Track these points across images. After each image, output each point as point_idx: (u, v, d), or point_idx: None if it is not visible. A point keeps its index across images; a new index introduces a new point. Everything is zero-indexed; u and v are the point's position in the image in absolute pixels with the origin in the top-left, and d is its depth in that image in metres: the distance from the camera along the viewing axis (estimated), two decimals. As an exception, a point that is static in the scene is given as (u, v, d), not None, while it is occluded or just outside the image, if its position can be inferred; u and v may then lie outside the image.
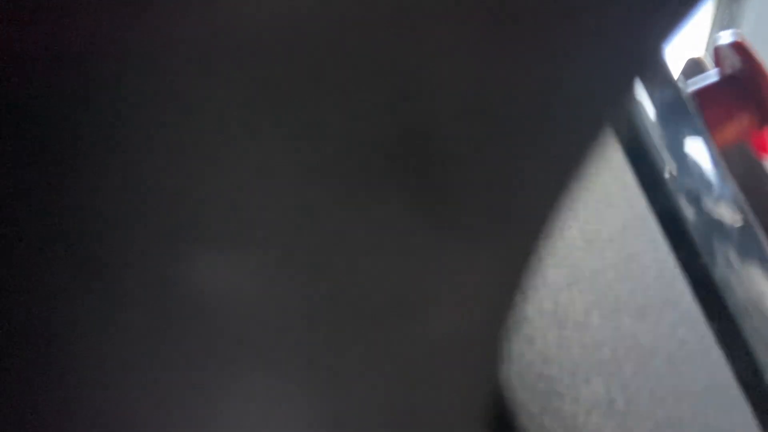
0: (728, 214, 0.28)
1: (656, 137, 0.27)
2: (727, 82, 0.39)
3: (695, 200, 0.27)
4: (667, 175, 0.27)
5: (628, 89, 0.12)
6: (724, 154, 0.30)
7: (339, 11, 0.10)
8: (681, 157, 0.28)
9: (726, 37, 0.41)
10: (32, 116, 0.10)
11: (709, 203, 0.28)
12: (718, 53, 0.41)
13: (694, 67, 0.44)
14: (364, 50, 0.10)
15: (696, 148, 0.29)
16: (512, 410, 0.20)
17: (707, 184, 0.28)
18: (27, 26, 0.10)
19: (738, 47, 0.39)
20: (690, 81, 0.40)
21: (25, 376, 0.11)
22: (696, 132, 0.30)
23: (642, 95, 0.29)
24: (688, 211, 0.26)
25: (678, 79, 0.34)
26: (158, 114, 0.10)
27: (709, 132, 0.32)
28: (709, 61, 0.45)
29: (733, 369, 0.24)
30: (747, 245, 0.28)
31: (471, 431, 0.14)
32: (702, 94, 0.38)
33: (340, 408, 0.12)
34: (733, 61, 0.39)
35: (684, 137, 0.29)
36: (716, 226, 0.27)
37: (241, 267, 0.11)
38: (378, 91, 0.11)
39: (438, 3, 0.10)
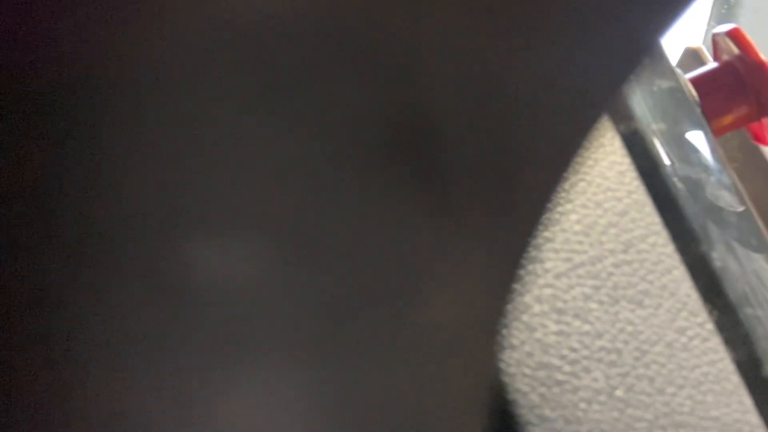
0: (727, 201, 0.28)
1: (654, 125, 0.27)
2: (724, 70, 0.39)
3: (694, 187, 0.27)
4: (665, 163, 0.27)
5: (627, 77, 0.12)
6: (722, 142, 0.30)
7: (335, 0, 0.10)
8: (679, 145, 0.28)
9: (724, 27, 0.41)
10: (30, 111, 0.10)
11: (707, 190, 0.28)
12: (715, 42, 0.41)
13: (691, 57, 0.44)
14: (365, 37, 0.10)
15: (694, 136, 0.29)
16: (512, 399, 0.20)
17: (706, 171, 0.28)
18: (25, 24, 0.10)
19: (735, 35, 0.39)
20: (688, 70, 0.40)
21: (24, 371, 0.11)
22: (694, 119, 0.30)
23: (640, 83, 0.29)
24: (687, 199, 0.26)
25: (676, 67, 0.34)
26: (156, 105, 0.10)
27: (708, 120, 0.32)
28: (707, 52, 0.45)
29: (732, 357, 0.24)
30: (746, 232, 0.28)
31: (470, 420, 0.14)
32: (700, 82, 0.38)
33: (343, 396, 0.12)
34: (731, 50, 0.39)
35: (682, 125, 0.29)
36: (715, 213, 0.27)
37: (242, 256, 0.11)
38: (378, 79, 0.11)
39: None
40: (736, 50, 0.39)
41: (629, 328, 0.22)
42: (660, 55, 0.31)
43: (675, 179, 0.26)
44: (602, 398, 0.21)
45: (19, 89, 0.10)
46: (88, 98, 0.10)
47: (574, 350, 0.21)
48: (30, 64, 0.10)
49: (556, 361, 0.21)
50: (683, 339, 0.23)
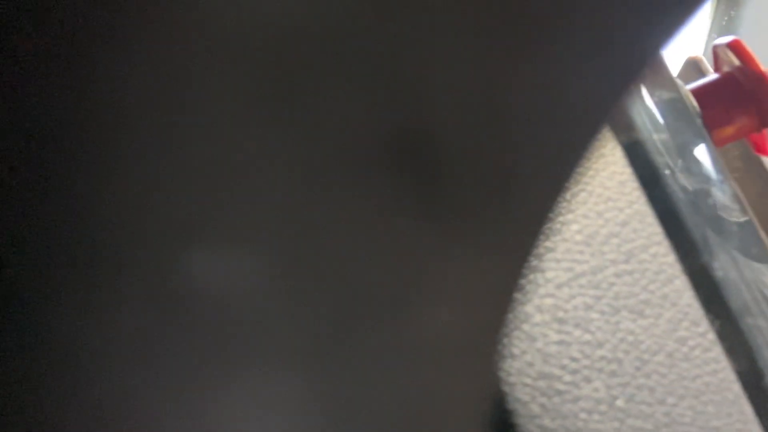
0: (728, 211, 0.28)
1: (656, 135, 0.27)
2: (725, 81, 0.39)
3: (695, 198, 0.27)
4: (666, 173, 0.27)
5: (628, 88, 0.12)
6: (723, 152, 0.30)
7: (337, 8, 0.10)
8: (680, 155, 0.28)
9: (724, 39, 0.41)
10: (29, 113, 0.10)
11: (708, 201, 0.28)
12: (716, 53, 0.41)
13: (692, 68, 0.44)
14: (364, 48, 0.10)
15: (695, 146, 0.29)
16: (512, 409, 0.20)
17: (707, 181, 0.28)
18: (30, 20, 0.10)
19: (736, 46, 0.39)
20: (688, 81, 0.40)
21: (24, 374, 0.11)
22: (695, 130, 0.30)
23: (642, 94, 0.29)
24: (688, 209, 0.26)
25: (677, 78, 0.34)
26: (155, 112, 0.10)
27: (709, 130, 0.32)
28: (707, 63, 0.45)
29: (733, 367, 0.24)
30: (747, 242, 0.28)
31: (470, 430, 0.14)
32: (700, 93, 0.38)
33: (342, 405, 0.12)
34: (732, 61, 0.39)
35: (683, 135, 0.29)
36: (716, 224, 0.27)
37: (241, 265, 0.11)
38: (377, 90, 0.11)
39: (437, 1, 0.10)
40: (736, 61, 0.39)
41: (630, 338, 0.22)
42: (661, 66, 0.31)
43: (676, 189, 0.26)
44: (603, 408, 0.21)
45: (20, 91, 0.10)
46: (91, 102, 0.10)
47: (574, 360, 0.21)
48: (31, 63, 0.10)
49: (556, 371, 0.21)
50: (684, 349, 0.23)
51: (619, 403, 0.21)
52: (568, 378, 0.21)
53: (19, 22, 0.10)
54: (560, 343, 0.21)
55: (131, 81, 0.10)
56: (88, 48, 0.10)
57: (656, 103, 0.29)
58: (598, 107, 0.12)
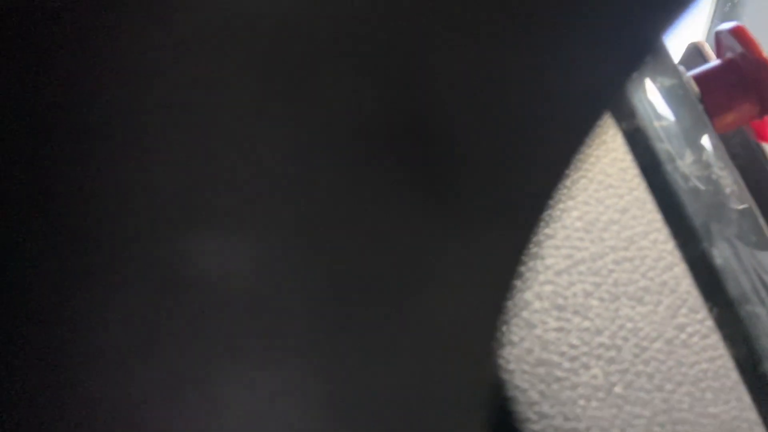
0: (728, 198, 0.28)
1: (657, 122, 0.27)
2: (727, 68, 0.39)
3: (695, 185, 0.27)
4: (666, 160, 0.27)
5: (630, 75, 0.12)
6: (724, 139, 0.30)
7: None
8: (681, 142, 0.28)
9: (727, 25, 0.41)
10: (30, 108, 0.10)
11: (708, 188, 0.28)
12: (718, 39, 0.41)
13: (694, 54, 0.44)
14: (367, 37, 0.10)
15: (696, 133, 0.29)
16: (511, 396, 0.20)
17: (707, 168, 0.28)
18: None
19: (739, 32, 0.39)
20: (690, 67, 0.40)
21: (24, 362, 0.11)
22: (696, 117, 0.30)
23: (643, 81, 0.29)
24: (688, 196, 0.26)
25: (679, 64, 0.34)
26: (155, 98, 0.10)
27: (710, 117, 0.32)
28: (709, 49, 0.45)
29: (732, 354, 0.24)
30: (747, 230, 0.28)
31: (470, 416, 0.14)
32: (702, 79, 0.38)
33: (340, 393, 0.12)
34: (734, 47, 0.39)
35: (684, 122, 0.29)
36: (716, 211, 0.27)
37: (241, 250, 0.11)
38: (381, 77, 0.11)
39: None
40: (739, 48, 0.39)
41: (629, 325, 0.22)
42: (663, 53, 0.31)
43: (676, 177, 0.26)
44: (601, 395, 0.21)
45: (22, 90, 0.10)
46: (93, 96, 0.10)
47: (573, 347, 0.21)
48: (32, 58, 0.10)
49: (555, 358, 0.21)
50: (683, 336, 0.23)
51: (618, 389, 0.21)
52: (566, 365, 0.21)
53: (22, 19, 0.10)
54: (559, 330, 0.21)
55: (132, 69, 0.10)
56: (91, 39, 0.10)
57: (658, 90, 0.29)
58: (600, 93, 0.12)
